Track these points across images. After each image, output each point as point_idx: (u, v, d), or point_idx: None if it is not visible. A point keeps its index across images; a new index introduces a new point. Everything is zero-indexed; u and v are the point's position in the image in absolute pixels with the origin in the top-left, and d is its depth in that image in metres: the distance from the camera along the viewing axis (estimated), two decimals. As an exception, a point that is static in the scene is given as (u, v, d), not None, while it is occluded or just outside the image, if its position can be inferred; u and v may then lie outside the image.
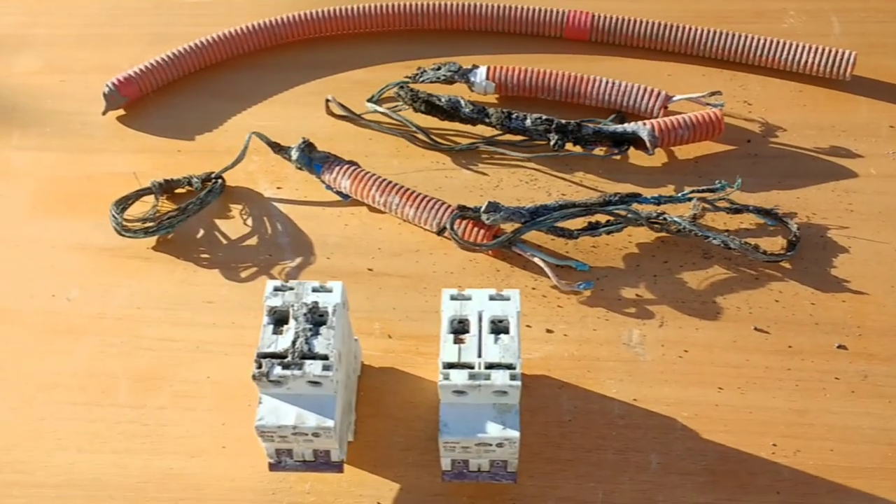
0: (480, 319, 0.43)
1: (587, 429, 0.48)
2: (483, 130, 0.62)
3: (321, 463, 0.44)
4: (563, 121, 0.60)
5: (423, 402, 0.49)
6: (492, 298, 0.44)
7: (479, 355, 0.42)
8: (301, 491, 0.46)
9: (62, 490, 0.46)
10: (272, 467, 0.45)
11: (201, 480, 0.47)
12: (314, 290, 0.44)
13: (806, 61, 0.64)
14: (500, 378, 0.41)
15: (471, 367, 0.41)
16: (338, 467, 0.45)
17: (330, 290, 0.44)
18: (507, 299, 0.44)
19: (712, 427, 0.48)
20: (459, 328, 0.43)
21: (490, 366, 0.41)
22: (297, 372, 0.41)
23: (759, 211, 0.57)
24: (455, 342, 0.42)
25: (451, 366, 0.42)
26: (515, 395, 0.42)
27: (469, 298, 0.44)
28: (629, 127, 0.60)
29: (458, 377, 0.41)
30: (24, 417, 0.49)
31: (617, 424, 0.48)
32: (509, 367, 0.42)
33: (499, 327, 0.43)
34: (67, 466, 0.47)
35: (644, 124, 0.59)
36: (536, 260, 0.54)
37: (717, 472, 0.47)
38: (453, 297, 0.44)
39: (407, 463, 0.47)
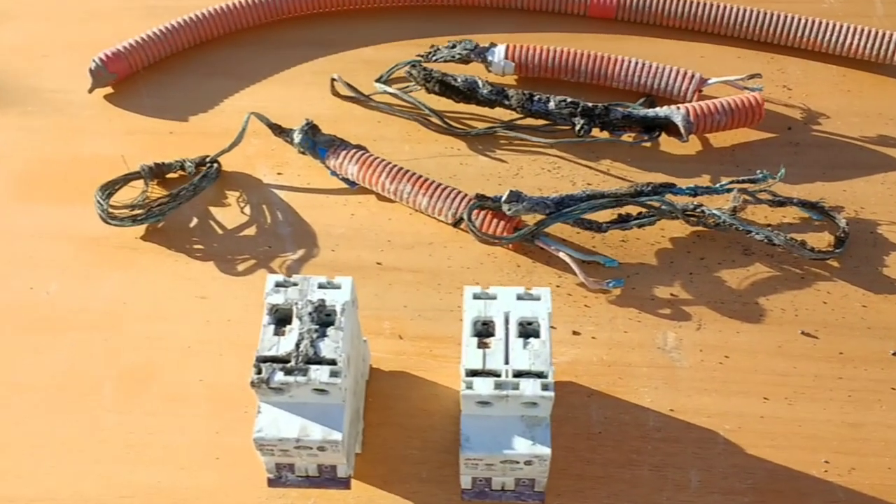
0: (507, 321, 0.39)
1: (620, 442, 0.44)
2: (501, 114, 0.58)
3: (326, 479, 0.40)
4: (590, 104, 0.55)
5: (438, 410, 0.46)
6: (519, 298, 0.40)
7: (507, 362, 0.38)
8: (303, 509, 0.43)
9: (37, 504, 0.43)
10: (271, 483, 0.41)
11: (192, 495, 0.43)
12: (320, 286, 0.39)
13: (850, 44, 0.60)
14: (529, 388, 0.37)
15: (497, 374, 0.37)
16: (345, 483, 0.41)
17: (338, 287, 0.40)
18: (537, 299, 0.40)
19: (758, 441, 0.44)
20: (484, 331, 0.39)
21: (518, 374, 0.37)
22: (301, 378, 0.37)
23: (804, 204, 0.52)
24: (479, 346, 0.38)
25: (474, 373, 0.37)
26: (547, 406, 0.37)
27: (494, 297, 0.40)
28: (661, 111, 0.55)
29: (483, 386, 0.37)
30: (-3, 423, 0.46)
31: (652, 437, 0.45)
32: (540, 375, 0.37)
33: (527, 330, 0.39)
34: (43, 477, 0.44)
35: (678, 108, 0.55)
36: (561, 255, 0.50)
37: (765, 492, 0.43)
38: (476, 296, 0.40)
39: (420, 478, 0.43)
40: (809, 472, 0.43)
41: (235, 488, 0.43)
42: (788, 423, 0.45)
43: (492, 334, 0.39)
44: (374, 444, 0.44)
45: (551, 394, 0.37)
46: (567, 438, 0.44)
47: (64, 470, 0.44)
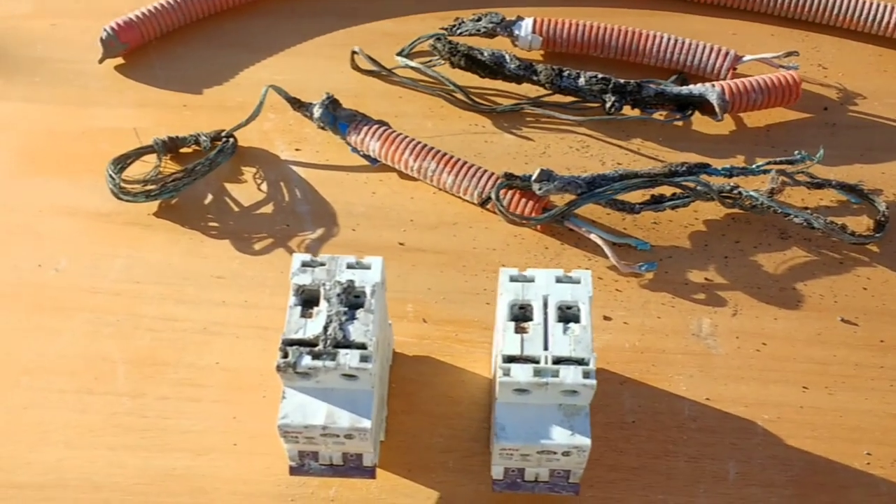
0: (545, 305, 0.37)
1: (654, 432, 0.43)
2: (527, 90, 0.56)
3: (351, 468, 0.39)
4: (622, 80, 0.53)
5: (465, 397, 0.44)
6: (558, 281, 0.38)
7: (546, 348, 0.36)
8: (325, 498, 0.41)
9: (47, 491, 0.41)
10: (293, 471, 0.39)
11: (209, 483, 0.41)
12: (349, 266, 0.38)
13: (887, 22, 0.59)
14: (570, 375, 0.35)
15: (535, 361, 0.36)
16: (370, 473, 0.39)
17: (367, 267, 0.38)
18: (577, 282, 0.38)
19: (798, 432, 0.43)
20: (521, 315, 0.37)
21: (558, 360, 0.36)
22: (329, 363, 0.35)
23: (843, 186, 0.50)
24: (516, 331, 0.36)
25: (512, 359, 0.35)
26: (588, 395, 0.36)
27: (532, 280, 0.38)
28: (696, 89, 0.53)
29: (522, 373, 0.35)
30: (5, 406, 0.44)
31: (688, 427, 0.43)
32: (581, 362, 0.35)
33: (567, 315, 0.37)
34: (54, 464, 0.42)
35: (713, 86, 0.53)
36: (592, 237, 0.48)
37: (805, 485, 0.41)
38: (513, 279, 0.38)
39: (447, 468, 0.42)
40: (851, 464, 0.42)
41: (254, 475, 0.41)
42: (829, 413, 0.43)
43: (529, 318, 0.37)
44: (398, 431, 0.43)
45: (593, 382, 0.35)
46: (599, 428, 0.42)
47: (75, 456, 0.42)
